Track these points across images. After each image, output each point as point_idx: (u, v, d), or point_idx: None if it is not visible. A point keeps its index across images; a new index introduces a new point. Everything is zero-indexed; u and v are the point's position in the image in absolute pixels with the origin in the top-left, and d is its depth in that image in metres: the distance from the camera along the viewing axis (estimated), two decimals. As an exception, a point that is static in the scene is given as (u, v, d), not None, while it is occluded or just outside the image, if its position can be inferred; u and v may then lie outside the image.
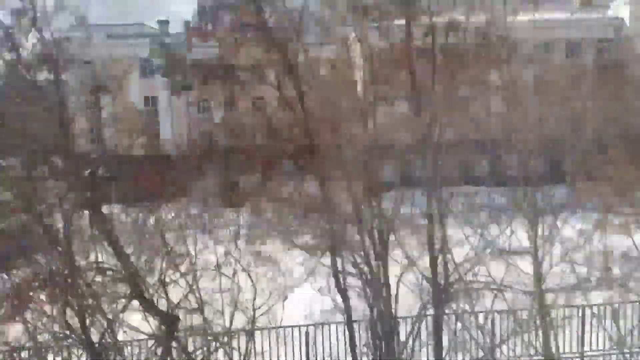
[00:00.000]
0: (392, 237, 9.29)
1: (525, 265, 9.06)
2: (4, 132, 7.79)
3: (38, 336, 8.47)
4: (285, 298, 9.67)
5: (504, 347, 10.26)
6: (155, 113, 36.20)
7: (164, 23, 42.30)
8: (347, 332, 10.12)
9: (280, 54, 8.90)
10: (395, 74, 9.50)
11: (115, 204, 8.86)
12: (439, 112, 9.09)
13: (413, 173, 10.07)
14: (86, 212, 8.59)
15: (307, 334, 10.80)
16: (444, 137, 9.41)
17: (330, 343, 10.87)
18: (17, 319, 7.12)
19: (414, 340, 9.90)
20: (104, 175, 8.34)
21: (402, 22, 9.29)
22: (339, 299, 9.74)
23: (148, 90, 34.86)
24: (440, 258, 9.19)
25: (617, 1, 35.17)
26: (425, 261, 9.29)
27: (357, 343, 10.04)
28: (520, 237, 9.11)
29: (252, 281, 9.32)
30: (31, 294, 7.16)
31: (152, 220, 8.95)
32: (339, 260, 9.45)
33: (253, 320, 9.44)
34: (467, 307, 9.43)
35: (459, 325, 9.88)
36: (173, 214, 9.27)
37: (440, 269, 9.28)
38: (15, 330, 7.52)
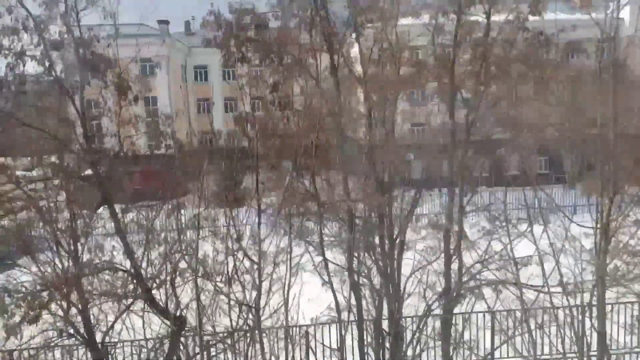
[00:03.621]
0: (404, 237, 9.26)
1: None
2: (17, 128, 7.69)
3: (42, 335, 8.43)
4: (292, 297, 9.61)
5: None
6: (155, 113, 36.14)
7: (164, 23, 42.19)
8: (349, 332, 10.05)
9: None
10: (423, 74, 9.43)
11: (120, 203, 8.80)
12: (474, 113, 9.09)
13: (431, 172, 9.99)
14: (96, 210, 8.54)
15: (306, 333, 10.75)
16: (474, 137, 9.36)
17: (331, 342, 10.82)
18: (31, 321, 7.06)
19: (419, 340, 9.86)
20: (110, 173, 8.27)
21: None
22: (351, 296, 9.69)
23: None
24: (454, 257, 9.14)
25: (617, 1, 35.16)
26: (436, 260, 9.25)
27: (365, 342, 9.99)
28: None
29: (256, 280, 9.25)
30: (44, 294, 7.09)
31: (158, 220, 8.90)
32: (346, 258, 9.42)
33: (257, 321, 9.38)
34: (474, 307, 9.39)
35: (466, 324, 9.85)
36: (178, 214, 9.21)
37: (453, 267, 9.24)
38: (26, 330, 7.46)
